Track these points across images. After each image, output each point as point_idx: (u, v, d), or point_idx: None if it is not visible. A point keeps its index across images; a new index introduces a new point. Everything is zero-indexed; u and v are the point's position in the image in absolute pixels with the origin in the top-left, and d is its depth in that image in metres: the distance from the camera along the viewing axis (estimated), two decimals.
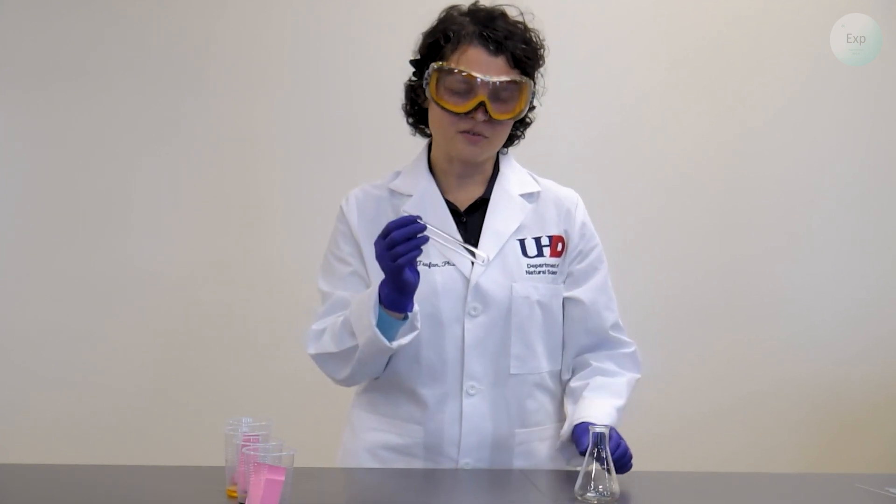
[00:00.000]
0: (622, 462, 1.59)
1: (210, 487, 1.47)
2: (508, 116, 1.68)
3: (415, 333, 1.63)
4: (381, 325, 1.60)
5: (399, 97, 1.82)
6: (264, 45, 3.13)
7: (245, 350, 3.09)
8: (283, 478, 1.25)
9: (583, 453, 1.51)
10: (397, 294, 1.58)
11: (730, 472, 1.87)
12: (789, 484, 1.77)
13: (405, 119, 1.83)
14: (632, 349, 1.82)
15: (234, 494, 1.41)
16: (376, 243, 1.56)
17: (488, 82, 1.63)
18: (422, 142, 1.86)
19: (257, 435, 1.43)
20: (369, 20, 3.12)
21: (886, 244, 3.23)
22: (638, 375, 1.81)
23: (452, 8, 1.74)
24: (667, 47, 3.19)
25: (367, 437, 1.75)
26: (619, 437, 1.61)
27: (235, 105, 3.12)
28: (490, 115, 1.65)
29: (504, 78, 1.64)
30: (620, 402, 1.72)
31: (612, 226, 2.87)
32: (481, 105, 1.64)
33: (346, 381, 1.74)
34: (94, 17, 3.10)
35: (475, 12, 1.71)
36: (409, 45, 1.78)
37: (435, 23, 1.74)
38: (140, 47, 3.11)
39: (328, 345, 1.69)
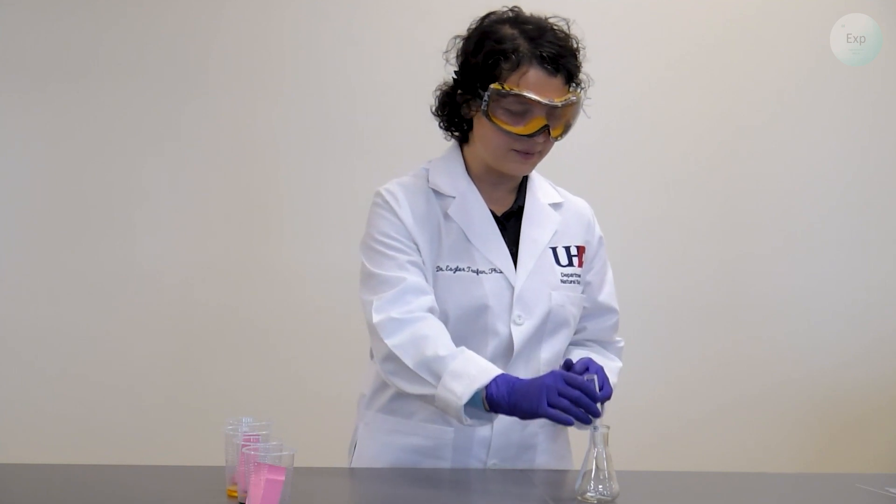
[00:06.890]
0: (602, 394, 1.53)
1: (210, 487, 1.47)
2: (563, 132, 1.68)
3: (487, 424, 1.61)
4: (470, 401, 1.54)
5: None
6: (267, 46, 3.13)
7: (246, 350, 3.09)
8: (283, 478, 1.25)
9: (568, 367, 1.59)
10: (506, 410, 1.53)
11: (730, 472, 1.88)
12: (789, 484, 1.78)
13: (438, 122, 1.77)
14: (620, 344, 1.89)
15: (234, 494, 1.41)
16: (555, 377, 1.50)
17: (552, 107, 1.62)
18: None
19: (257, 435, 1.43)
20: (371, 23, 3.11)
21: (886, 244, 3.23)
22: (620, 364, 1.86)
23: (492, 17, 1.69)
24: (667, 47, 3.19)
25: (387, 440, 1.73)
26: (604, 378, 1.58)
27: (238, 106, 3.12)
28: (550, 136, 1.65)
29: (565, 100, 1.63)
30: (613, 377, 1.75)
31: (612, 226, 2.86)
32: (544, 128, 1.63)
33: (384, 371, 1.64)
34: (98, 18, 3.10)
35: (522, 25, 1.66)
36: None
37: (479, 35, 1.68)
38: (143, 48, 3.11)
39: (407, 353, 1.59)
